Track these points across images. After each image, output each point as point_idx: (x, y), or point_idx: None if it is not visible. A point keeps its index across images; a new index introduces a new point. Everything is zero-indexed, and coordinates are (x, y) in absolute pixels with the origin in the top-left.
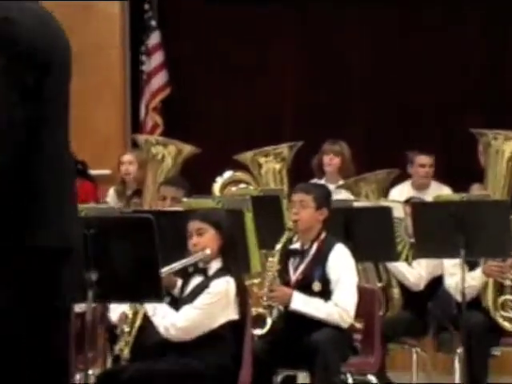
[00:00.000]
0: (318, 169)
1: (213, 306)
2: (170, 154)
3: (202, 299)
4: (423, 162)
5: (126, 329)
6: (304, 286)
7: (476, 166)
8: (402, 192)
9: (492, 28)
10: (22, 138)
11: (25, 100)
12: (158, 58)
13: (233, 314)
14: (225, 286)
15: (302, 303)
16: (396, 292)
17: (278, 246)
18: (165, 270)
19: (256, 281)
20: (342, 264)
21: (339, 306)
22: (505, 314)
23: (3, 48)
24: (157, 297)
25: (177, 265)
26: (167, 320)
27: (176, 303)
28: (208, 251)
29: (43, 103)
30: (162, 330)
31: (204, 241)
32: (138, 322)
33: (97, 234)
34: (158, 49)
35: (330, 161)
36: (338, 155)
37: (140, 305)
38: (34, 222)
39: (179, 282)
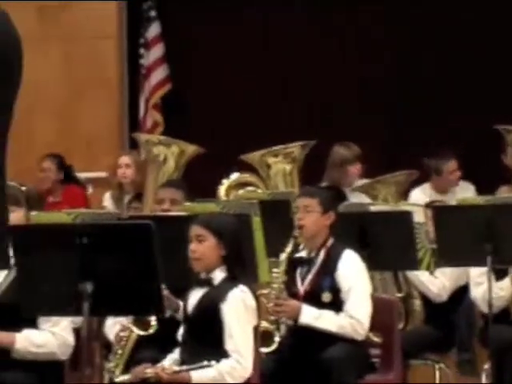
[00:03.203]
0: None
1: (245, 321)
2: (172, 154)
3: (233, 325)
4: (454, 167)
5: (119, 351)
6: (313, 298)
7: (503, 166)
8: (423, 195)
9: None
10: None
11: None
12: (157, 51)
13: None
14: (241, 296)
15: (311, 317)
16: (417, 303)
17: (283, 256)
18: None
19: (265, 291)
20: (352, 272)
21: (352, 318)
22: None
23: None
24: (157, 310)
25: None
26: (224, 368)
27: (177, 325)
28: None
29: None
30: (227, 376)
31: (203, 249)
32: (130, 344)
33: (91, 243)
34: (157, 41)
35: (358, 170)
36: (361, 161)
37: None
38: None
39: (181, 304)
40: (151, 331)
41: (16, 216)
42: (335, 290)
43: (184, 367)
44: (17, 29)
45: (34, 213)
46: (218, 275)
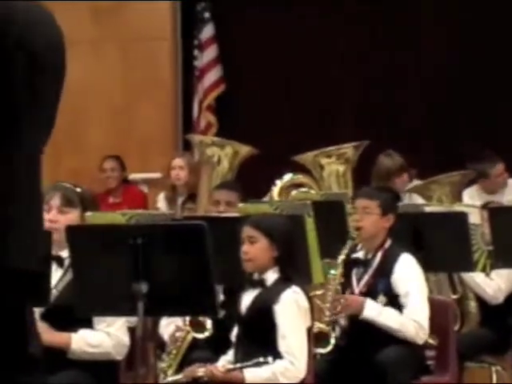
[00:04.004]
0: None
1: (299, 322)
2: (226, 155)
3: (287, 327)
4: (501, 170)
5: (173, 351)
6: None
7: None
8: (472, 196)
9: None
10: None
11: None
12: (211, 53)
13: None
14: (294, 297)
15: (375, 311)
16: (472, 305)
17: (341, 258)
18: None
19: (319, 292)
20: (409, 276)
21: (415, 321)
22: None
23: None
24: (211, 310)
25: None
26: (277, 369)
27: (231, 326)
28: None
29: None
30: (281, 377)
31: (255, 250)
32: (185, 345)
33: (146, 243)
34: (211, 43)
35: (404, 181)
36: (406, 170)
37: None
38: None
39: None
40: (207, 334)
41: (71, 217)
42: (390, 294)
43: (238, 365)
44: (61, 29)
45: (88, 213)
46: (271, 276)
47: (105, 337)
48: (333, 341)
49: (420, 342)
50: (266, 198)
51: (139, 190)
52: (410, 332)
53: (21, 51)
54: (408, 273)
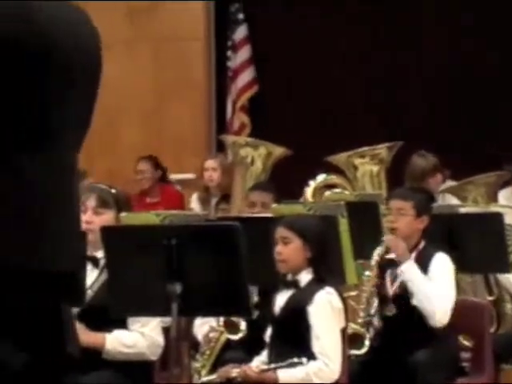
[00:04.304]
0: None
1: (332, 323)
2: (259, 156)
3: (320, 327)
4: None
5: (207, 351)
6: (402, 300)
7: None
8: (508, 197)
9: None
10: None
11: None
12: (244, 54)
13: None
14: (327, 298)
15: (414, 269)
16: (509, 307)
17: (375, 259)
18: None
19: (352, 293)
20: (442, 275)
21: (442, 307)
22: None
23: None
24: (245, 311)
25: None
26: (311, 369)
27: (264, 326)
28: None
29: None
30: (314, 378)
31: (288, 251)
32: (219, 346)
33: (180, 244)
34: (244, 43)
35: (438, 182)
36: (441, 171)
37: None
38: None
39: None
40: (240, 335)
41: (106, 218)
42: None
43: (272, 365)
44: (95, 29)
45: (123, 214)
46: (305, 277)
47: (139, 337)
48: (367, 342)
49: (438, 324)
50: (300, 199)
51: (176, 189)
52: (436, 309)
53: (43, 51)
54: (442, 272)
